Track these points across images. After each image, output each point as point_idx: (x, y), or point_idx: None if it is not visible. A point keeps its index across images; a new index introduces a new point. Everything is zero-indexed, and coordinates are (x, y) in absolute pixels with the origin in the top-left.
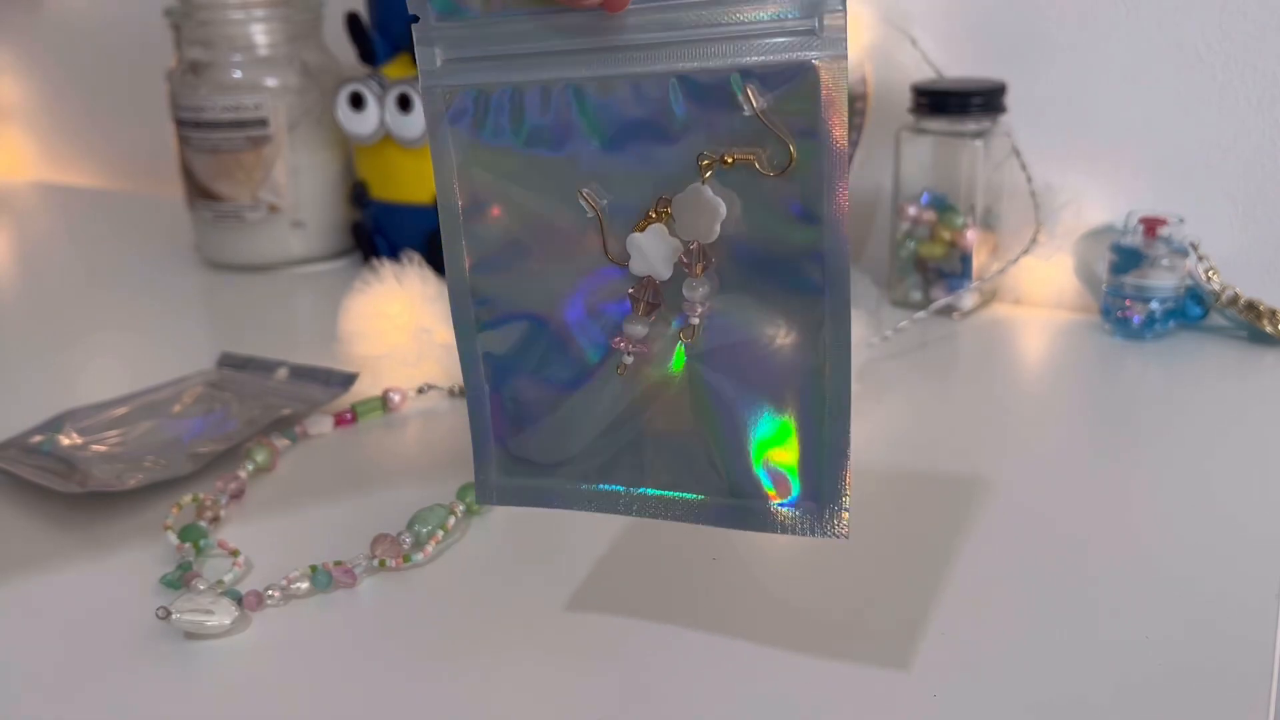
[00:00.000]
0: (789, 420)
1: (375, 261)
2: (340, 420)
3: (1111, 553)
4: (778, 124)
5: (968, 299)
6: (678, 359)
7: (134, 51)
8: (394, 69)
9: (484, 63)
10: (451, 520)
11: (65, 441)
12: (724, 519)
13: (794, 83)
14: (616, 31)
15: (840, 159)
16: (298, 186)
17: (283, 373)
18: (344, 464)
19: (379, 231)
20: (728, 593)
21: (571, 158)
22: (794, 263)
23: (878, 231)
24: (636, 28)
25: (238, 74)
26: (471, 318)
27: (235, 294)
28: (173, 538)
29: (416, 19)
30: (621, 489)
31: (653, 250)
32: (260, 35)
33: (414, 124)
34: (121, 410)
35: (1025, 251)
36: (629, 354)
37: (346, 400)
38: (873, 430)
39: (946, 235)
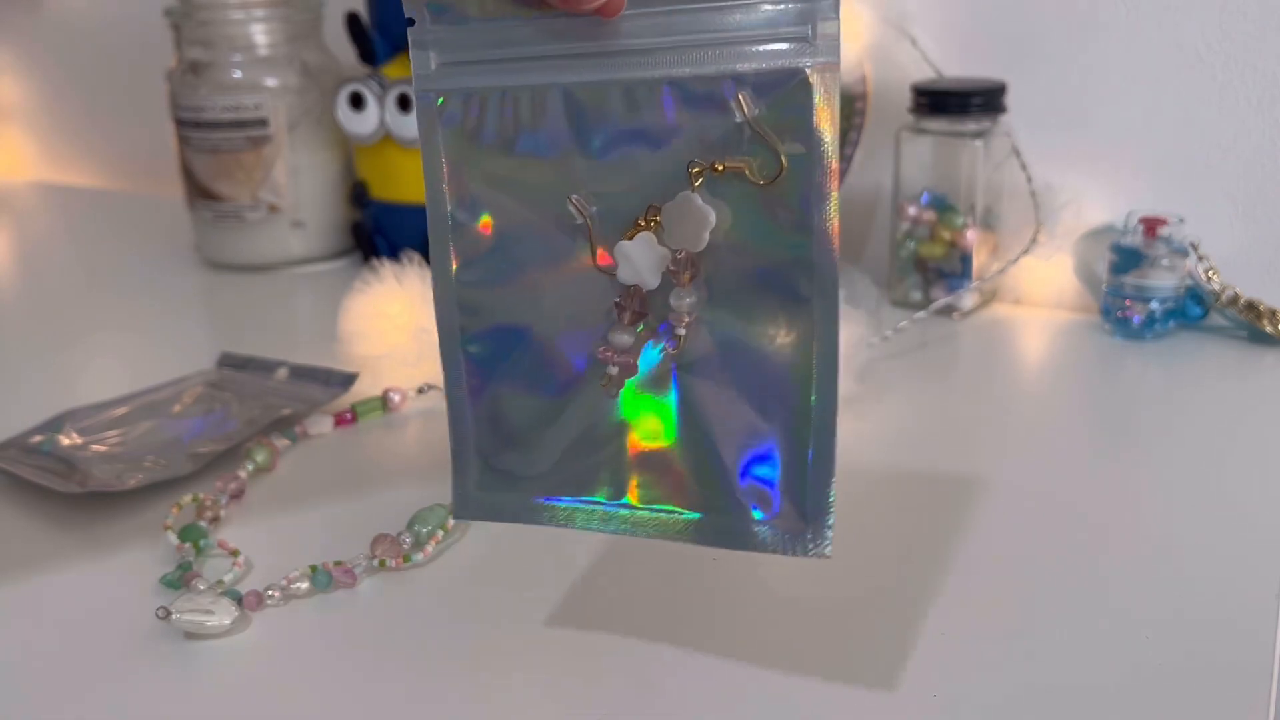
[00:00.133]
0: (774, 435)
1: (375, 261)
2: (340, 420)
3: (1112, 552)
4: (769, 132)
5: (968, 299)
6: (662, 374)
7: (134, 51)
8: (394, 69)
9: (478, 66)
10: (451, 520)
11: (65, 441)
12: (707, 537)
13: (786, 90)
14: (611, 37)
15: (830, 169)
16: (298, 186)
17: (283, 373)
18: (344, 464)
19: (379, 231)
20: (728, 592)
21: (562, 163)
22: (782, 272)
23: (878, 231)
24: (631, 33)
25: (238, 74)
26: (456, 325)
27: (235, 294)
28: (173, 538)
29: (412, 22)
30: (603, 504)
31: (641, 258)
32: (260, 35)
33: (414, 124)
34: (121, 410)
35: (1025, 251)
36: (614, 364)
37: (346, 400)
38: (872, 430)
39: (946, 235)
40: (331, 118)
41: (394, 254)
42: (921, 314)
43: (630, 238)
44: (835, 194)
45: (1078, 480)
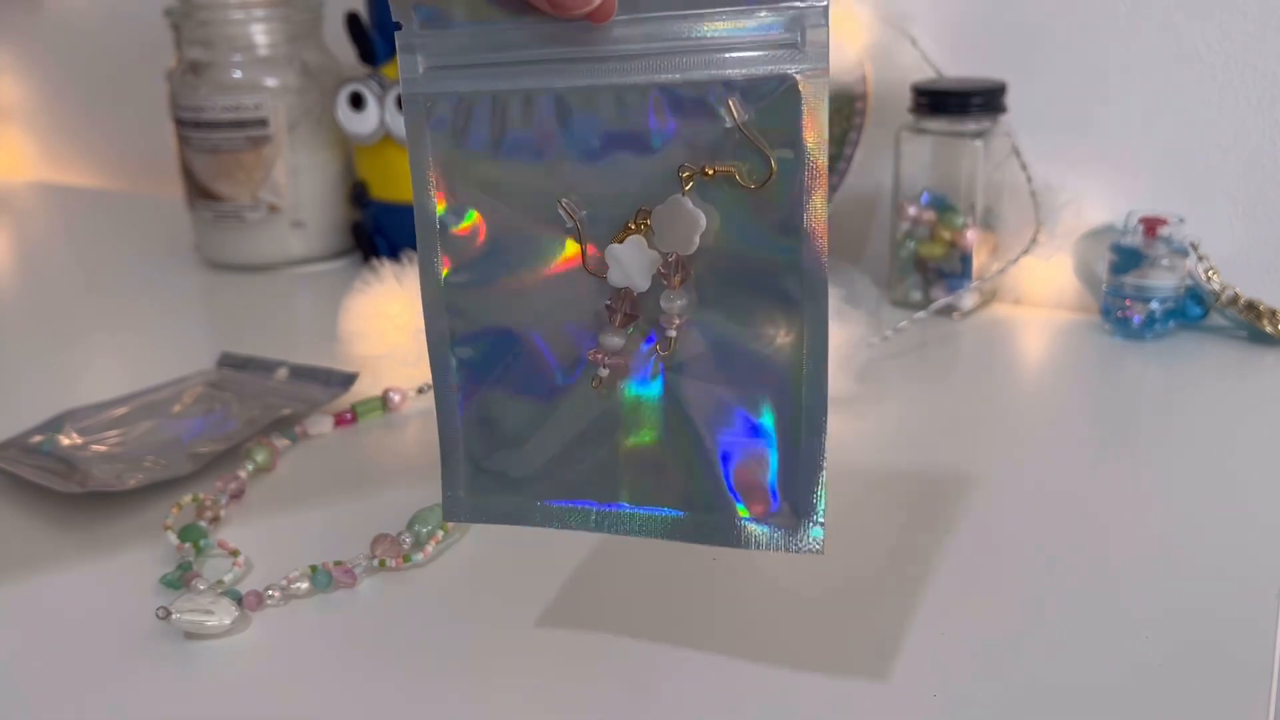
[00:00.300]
0: (764, 434)
1: (375, 261)
2: (340, 420)
3: (1112, 552)
4: (758, 137)
5: (968, 299)
6: (653, 375)
7: (134, 51)
8: (394, 69)
9: (466, 70)
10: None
11: (65, 441)
12: (698, 535)
13: (775, 96)
14: (601, 42)
15: (819, 172)
16: (298, 186)
17: (283, 373)
18: (344, 464)
19: (379, 231)
20: (728, 592)
21: (551, 168)
22: (772, 275)
23: (878, 231)
24: (621, 39)
25: (238, 74)
26: (445, 329)
27: (235, 294)
28: (173, 538)
29: (400, 26)
30: (594, 505)
31: (631, 261)
32: (260, 35)
33: None
34: (121, 410)
35: (1025, 251)
36: (604, 366)
37: (346, 400)
38: (872, 430)
39: (946, 235)
40: (331, 118)
41: (394, 254)
42: (921, 314)
43: (620, 241)
44: (824, 197)
45: (1078, 480)
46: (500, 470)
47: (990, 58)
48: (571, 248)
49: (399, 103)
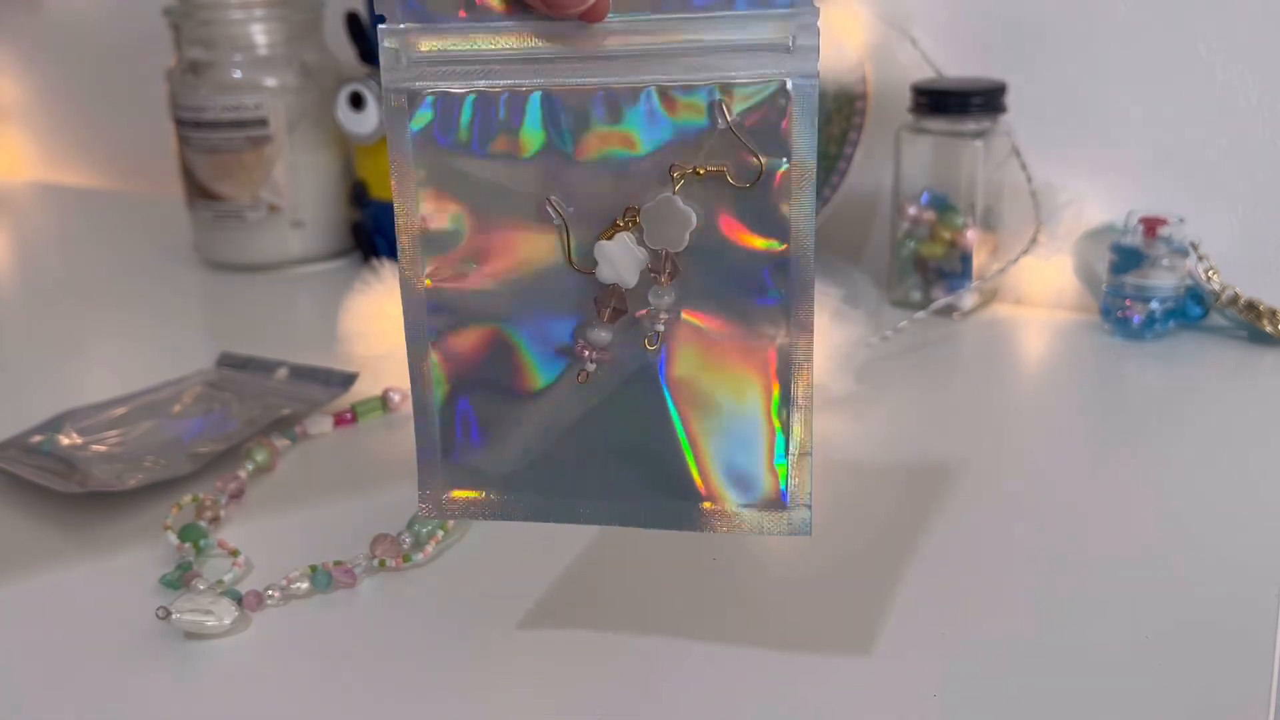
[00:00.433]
0: (752, 423)
1: (375, 261)
2: (340, 420)
3: (1112, 552)
4: (749, 138)
5: (968, 299)
6: (640, 369)
7: (134, 51)
8: None
9: (453, 66)
10: (451, 520)
11: (65, 441)
12: (687, 524)
13: (766, 98)
14: (593, 42)
15: (808, 173)
16: (298, 186)
17: (283, 373)
18: (344, 464)
19: (379, 231)
20: (727, 590)
21: (538, 165)
22: (760, 273)
23: (878, 231)
24: (613, 39)
25: (238, 74)
26: (424, 325)
27: (235, 294)
28: (173, 538)
29: (383, 19)
30: (580, 499)
31: (620, 259)
32: (260, 35)
33: None
34: (121, 410)
35: (1025, 251)
36: (592, 361)
37: (346, 400)
38: (872, 429)
39: (946, 235)
40: (331, 118)
41: (394, 254)
42: (921, 314)
43: (609, 238)
44: (812, 198)
45: (1077, 480)
46: (480, 466)
47: (990, 58)
48: (557, 245)
49: None
